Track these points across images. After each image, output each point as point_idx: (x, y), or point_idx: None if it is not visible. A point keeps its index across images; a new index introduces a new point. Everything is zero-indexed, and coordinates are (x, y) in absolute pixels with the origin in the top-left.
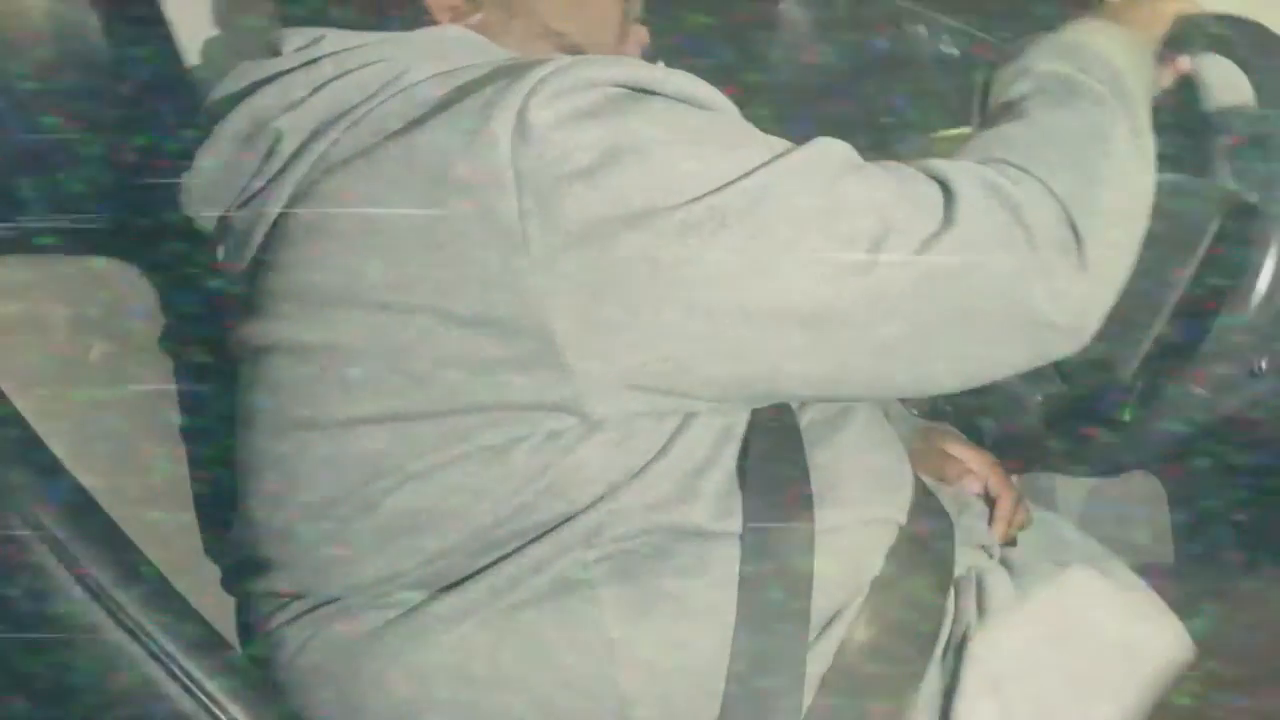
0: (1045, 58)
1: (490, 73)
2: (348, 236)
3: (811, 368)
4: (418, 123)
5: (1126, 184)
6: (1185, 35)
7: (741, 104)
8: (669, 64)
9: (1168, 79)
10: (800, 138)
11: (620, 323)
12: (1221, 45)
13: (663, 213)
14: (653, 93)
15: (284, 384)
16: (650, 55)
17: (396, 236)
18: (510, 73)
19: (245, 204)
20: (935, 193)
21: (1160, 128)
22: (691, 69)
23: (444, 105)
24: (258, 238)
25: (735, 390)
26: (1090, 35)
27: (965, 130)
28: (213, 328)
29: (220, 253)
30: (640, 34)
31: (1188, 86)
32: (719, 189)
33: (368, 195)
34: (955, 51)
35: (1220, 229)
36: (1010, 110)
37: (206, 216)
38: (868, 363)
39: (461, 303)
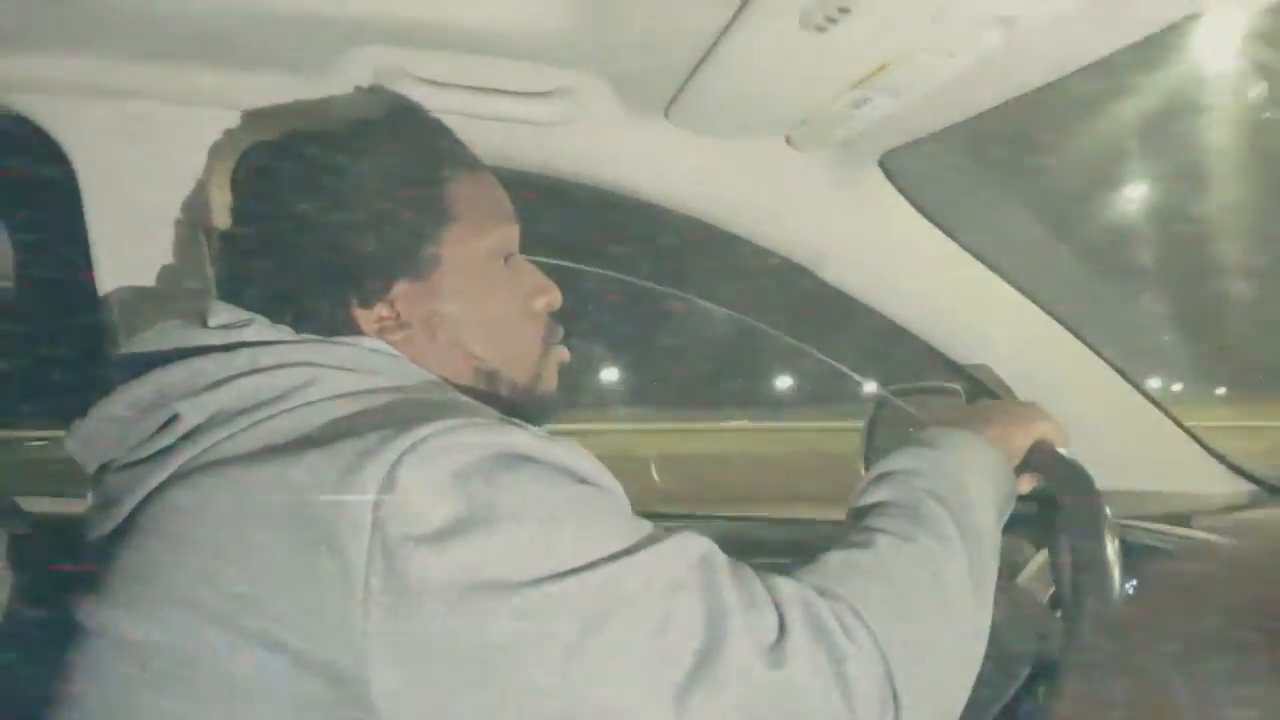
0: (909, 474)
1: (384, 410)
2: (203, 539)
3: None
4: (302, 446)
5: (956, 644)
6: (1035, 462)
7: None
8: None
9: (1024, 486)
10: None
11: (437, 690)
12: (1055, 480)
13: (499, 591)
14: (529, 459)
15: (104, 674)
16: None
17: (248, 554)
18: (399, 421)
19: (127, 467)
20: (771, 622)
21: (1016, 531)
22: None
23: (330, 436)
24: (126, 508)
25: None
26: (954, 454)
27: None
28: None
29: (90, 502)
30: (560, 354)
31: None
32: (560, 576)
33: (235, 505)
34: None
35: (1035, 664)
36: (865, 526)
37: (87, 464)
38: None
39: (293, 636)
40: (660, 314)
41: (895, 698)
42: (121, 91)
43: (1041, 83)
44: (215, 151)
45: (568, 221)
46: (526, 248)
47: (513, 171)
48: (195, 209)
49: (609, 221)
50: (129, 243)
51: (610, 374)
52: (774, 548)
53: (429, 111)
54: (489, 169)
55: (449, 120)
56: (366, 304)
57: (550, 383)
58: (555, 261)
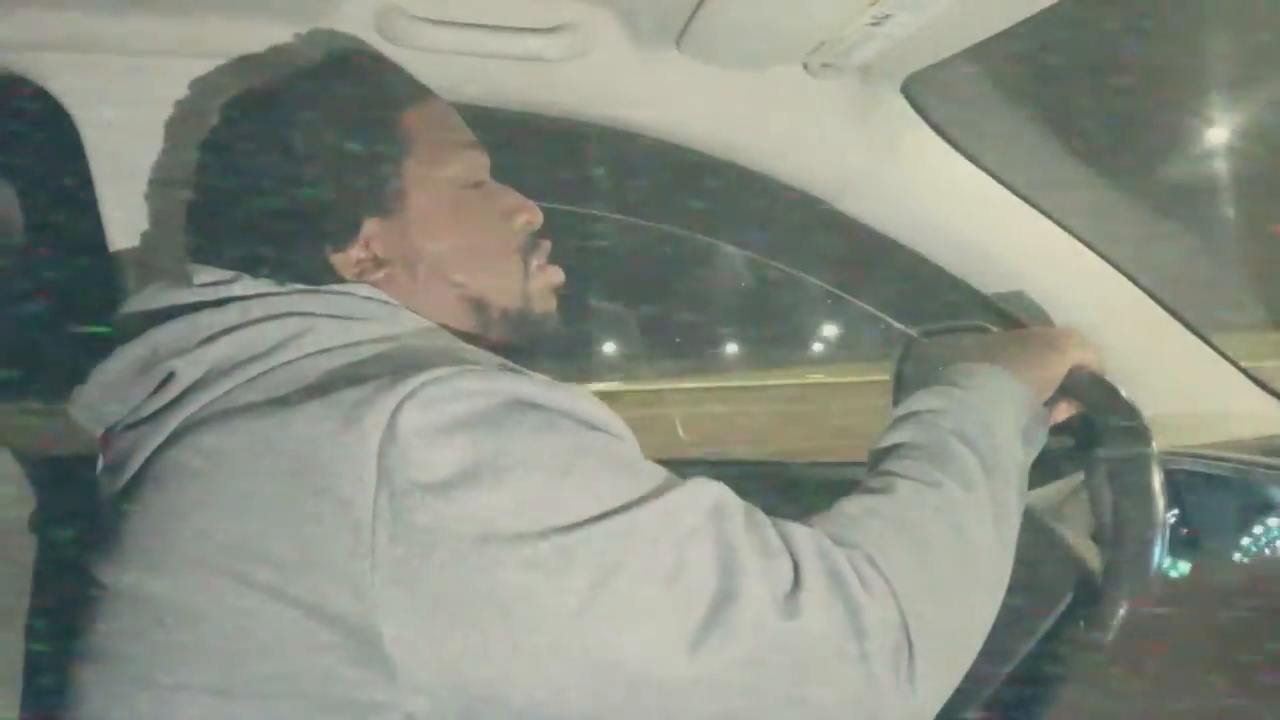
0: (934, 414)
1: (382, 358)
2: (208, 494)
3: None
4: (301, 397)
5: (975, 594)
6: (1072, 388)
7: None
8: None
9: (1061, 414)
10: None
11: (449, 640)
12: (1092, 405)
13: (509, 541)
14: (534, 406)
15: (121, 631)
16: None
17: (253, 507)
18: (397, 369)
19: (130, 428)
20: (785, 570)
21: (1049, 463)
22: None
23: (329, 387)
24: (132, 468)
25: None
26: (981, 392)
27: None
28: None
29: (99, 467)
30: (552, 275)
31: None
32: (570, 527)
33: (238, 458)
34: None
35: (1069, 605)
36: (886, 470)
37: (93, 428)
38: None
39: (302, 587)
40: (677, 258)
41: (910, 646)
42: (119, 46)
43: None
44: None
45: (576, 164)
46: (535, 193)
47: (521, 113)
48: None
49: (620, 162)
50: (137, 200)
51: (625, 326)
52: (800, 491)
53: (372, 48)
54: (443, 99)
55: (453, 60)
56: (341, 248)
57: (546, 304)
58: (569, 208)
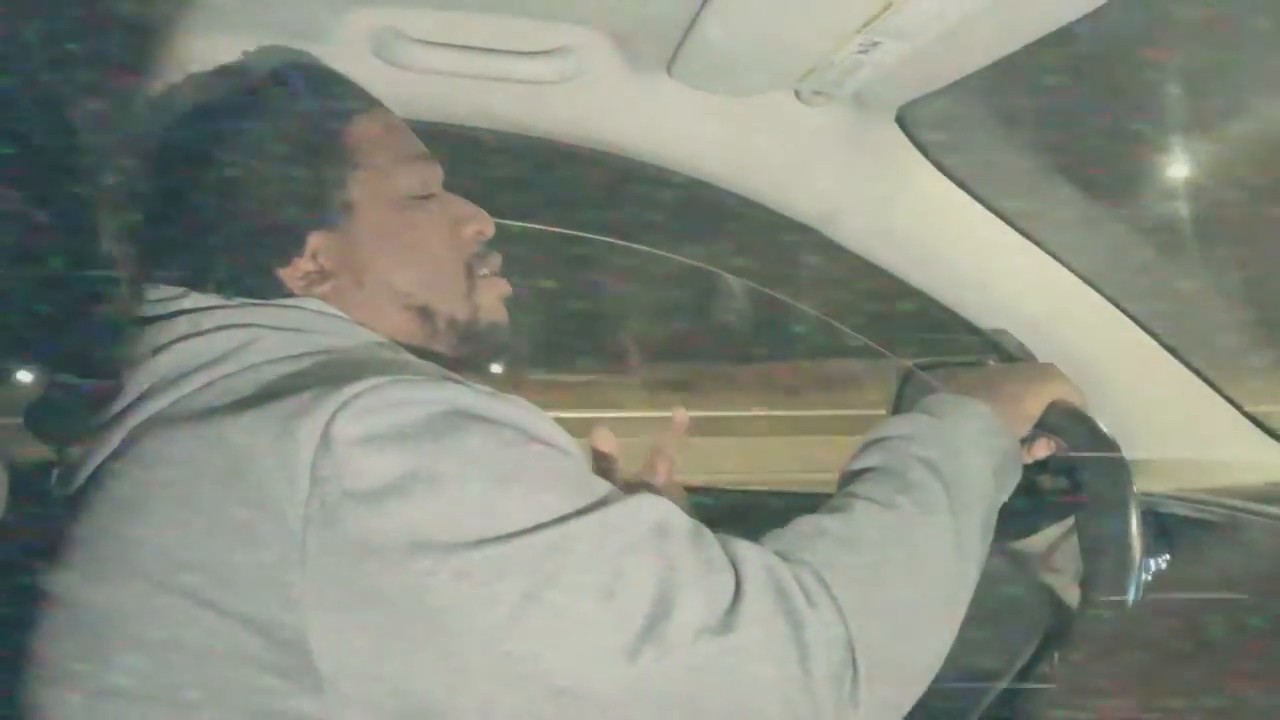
0: (903, 440)
1: (322, 369)
2: (144, 502)
3: None
4: (239, 406)
5: (928, 619)
6: (1051, 423)
7: None
8: None
9: (1040, 451)
10: None
11: (377, 651)
12: (1070, 440)
13: (441, 551)
14: (474, 416)
15: (56, 635)
16: None
17: (186, 515)
18: (333, 379)
19: (78, 439)
20: (727, 585)
21: (1026, 496)
22: None
23: (267, 396)
24: (81, 477)
25: None
26: (953, 421)
27: None
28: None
29: (54, 477)
30: (499, 286)
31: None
32: (504, 538)
33: (174, 466)
34: None
35: (1044, 636)
36: (847, 492)
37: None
38: None
39: (232, 597)
40: (667, 281)
41: (854, 665)
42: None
43: (1064, 22)
44: None
45: (569, 187)
46: (525, 214)
47: (513, 135)
48: None
49: (610, 186)
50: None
51: (608, 350)
52: (773, 517)
53: (320, 61)
54: (391, 112)
55: (448, 82)
56: (286, 262)
57: (495, 313)
58: (559, 230)
